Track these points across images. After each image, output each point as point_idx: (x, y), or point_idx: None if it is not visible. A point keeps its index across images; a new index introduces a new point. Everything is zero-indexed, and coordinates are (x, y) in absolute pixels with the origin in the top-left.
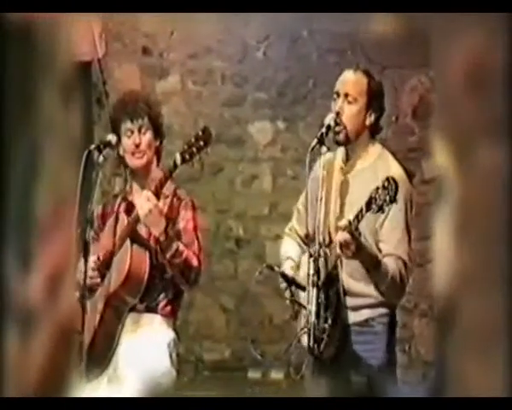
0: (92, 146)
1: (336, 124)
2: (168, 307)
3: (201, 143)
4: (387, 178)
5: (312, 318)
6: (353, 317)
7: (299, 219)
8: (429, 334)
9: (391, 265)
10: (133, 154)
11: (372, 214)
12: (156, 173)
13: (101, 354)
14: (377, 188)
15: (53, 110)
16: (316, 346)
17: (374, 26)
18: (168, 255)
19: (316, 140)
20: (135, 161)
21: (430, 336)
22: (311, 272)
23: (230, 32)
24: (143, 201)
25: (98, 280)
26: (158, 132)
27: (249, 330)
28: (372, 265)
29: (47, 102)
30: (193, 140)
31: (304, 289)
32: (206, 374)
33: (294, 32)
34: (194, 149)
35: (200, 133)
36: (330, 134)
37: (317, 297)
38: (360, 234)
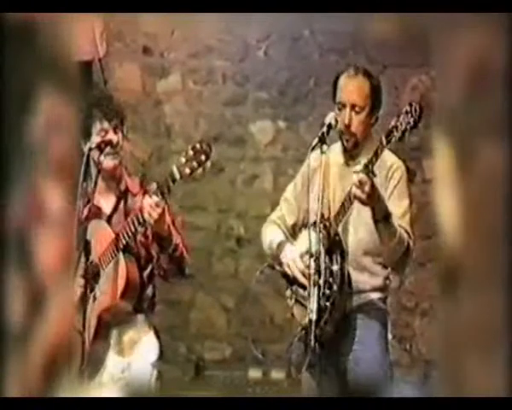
0: (93, 145)
1: (345, 133)
2: (151, 305)
3: (202, 157)
4: (410, 104)
5: (314, 316)
6: (352, 303)
7: (289, 209)
8: (430, 333)
9: (398, 228)
10: (108, 154)
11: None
12: (123, 174)
13: (97, 357)
14: (398, 116)
15: (53, 110)
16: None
17: (375, 25)
18: (170, 250)
19: (317, 139)
20: (109, 161)
21: (431, 336)
22: (312, 271)
23: (231, 32)
24: (149, 208)
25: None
26: (123, 135)
27: (250, 329)
28: (382, 214)
29: (47, 102)
30: (191, 153)
31: (304, 287)
32: (206, 373)
33: (296, 31)
34: (195, 164)
35: (198, 146)
36: (331, 133)
37: (318, 296)
38: (375, 176)
